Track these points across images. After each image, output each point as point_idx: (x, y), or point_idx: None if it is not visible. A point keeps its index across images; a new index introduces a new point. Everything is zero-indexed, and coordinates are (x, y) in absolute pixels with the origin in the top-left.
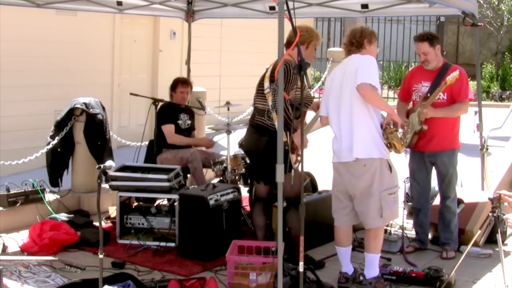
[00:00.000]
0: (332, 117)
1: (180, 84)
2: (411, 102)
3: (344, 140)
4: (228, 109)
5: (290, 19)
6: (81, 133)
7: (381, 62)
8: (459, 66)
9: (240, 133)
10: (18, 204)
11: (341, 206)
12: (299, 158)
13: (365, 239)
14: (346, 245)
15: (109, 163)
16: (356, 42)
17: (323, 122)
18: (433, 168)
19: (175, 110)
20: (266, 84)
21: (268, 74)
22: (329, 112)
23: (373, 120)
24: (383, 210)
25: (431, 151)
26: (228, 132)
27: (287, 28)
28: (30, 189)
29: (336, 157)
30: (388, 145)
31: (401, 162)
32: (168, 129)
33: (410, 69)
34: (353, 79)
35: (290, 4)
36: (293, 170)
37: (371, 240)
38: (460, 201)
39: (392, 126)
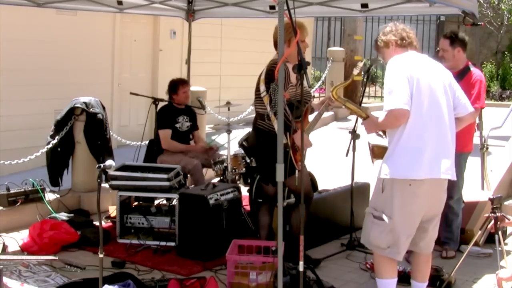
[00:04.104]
0: (429, 124)
1: (181, 85)
2: None
3: (442, 154)
4: (229, 109)
5: (290, 19)
6: (81, 132)
7: (381, 61)
8: (479, 70)
9: (240, 133)
10: (18, 204)
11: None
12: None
13: (419, 267)
14: (392, 276)
15: (109, 162)
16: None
17: (402, 116)
18: None
19: (174, 113)
20: (262, 87)
21: (262, 77)
22: (424, 115)
23: None
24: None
25: None
26: (228, 131)
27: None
28: (30, 188)
29: (425, 172)
30: None
31: None
32: (164, 135)
33: None
34: (451, 94)
35: (290, 3)
36: (296, 172)
37: (426, 266)
38: None
39: None
